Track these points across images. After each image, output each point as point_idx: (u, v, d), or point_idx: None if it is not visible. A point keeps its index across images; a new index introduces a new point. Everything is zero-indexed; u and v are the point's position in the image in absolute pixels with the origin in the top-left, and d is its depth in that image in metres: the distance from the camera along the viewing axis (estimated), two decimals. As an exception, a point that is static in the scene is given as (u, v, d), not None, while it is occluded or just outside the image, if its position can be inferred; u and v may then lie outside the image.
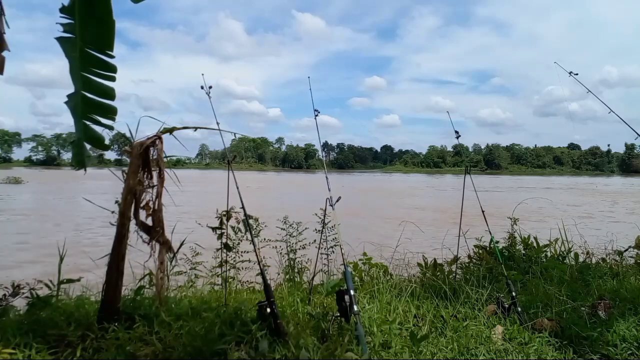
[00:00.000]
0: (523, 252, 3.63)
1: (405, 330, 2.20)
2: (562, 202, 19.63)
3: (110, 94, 2.26)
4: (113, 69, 2.22)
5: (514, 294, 2.45)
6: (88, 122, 2.26)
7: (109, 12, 2.08)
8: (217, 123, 2.58)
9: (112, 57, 2.19)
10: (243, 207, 2.48)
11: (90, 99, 2.24)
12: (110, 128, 2.29)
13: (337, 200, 2.41)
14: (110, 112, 2.28)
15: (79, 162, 2.34)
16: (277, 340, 1.94)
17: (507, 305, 2.41)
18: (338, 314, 2.16)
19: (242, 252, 3.06)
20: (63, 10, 2.08)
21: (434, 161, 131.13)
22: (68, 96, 2.25)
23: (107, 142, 2.32)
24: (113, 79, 2.24)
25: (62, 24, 2.11)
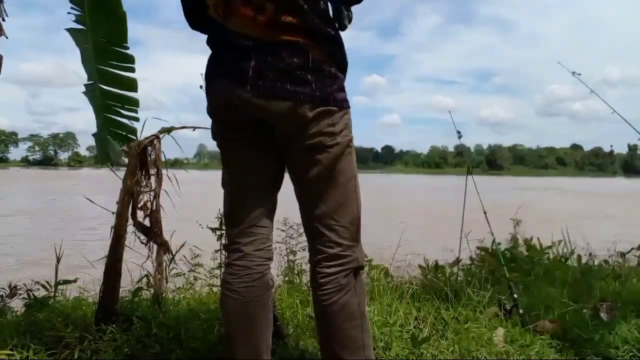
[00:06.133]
0: (525, 253, 3.60)
1: (406, 333, 2.18)
2: (562, 202, 19.59)
3: (132, 85, 2.21)
4: (131, 59, 2.18)
5: (515, 296, 2.42)
6: (111, 115, 2.22)
7: (119, 4, 2.05)
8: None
9: (127, 48, 2.16)
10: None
11: (111, 92, 2.19)
12: (136, 120, 2.26)
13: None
14: (133, 104, 2.25)
15: (105, 156, 2.30)
16: (277, 342, 1.92)
17: (508, 308, 2.39)
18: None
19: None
20: (72, 0, 2.05)
21: (436, 161, 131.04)
22: (85, 86, 2.21)
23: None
24: (132, 70, 2.20)
25: (74, 14, 2.07)
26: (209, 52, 1.38)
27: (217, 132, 1.41)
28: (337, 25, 1.38)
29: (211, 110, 1.38)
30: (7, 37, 1.81)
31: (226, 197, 1.44)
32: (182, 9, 1.40)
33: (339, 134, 1.30)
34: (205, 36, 1.41)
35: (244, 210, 1.39)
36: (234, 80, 1.25)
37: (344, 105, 1.31)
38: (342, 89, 1.33)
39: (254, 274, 1.37)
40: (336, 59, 1.31)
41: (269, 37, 1.22)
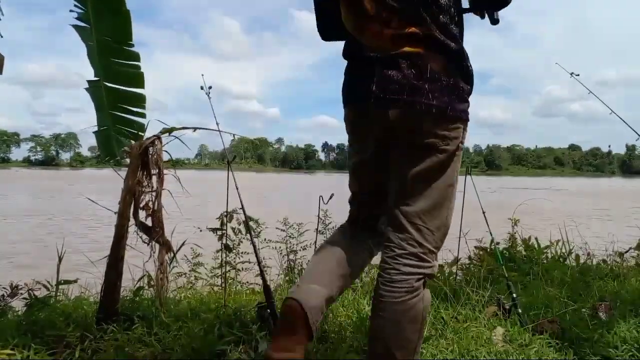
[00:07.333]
0: (524, 253, 3.61)
1: (405, 332, 2.18)
2: (560, 202, 19.63)
3: (138, 81, 2.20)
4: (136, 56, 2.18)
5: (514, 295, 2.44)
6: (118, 113, 2.21)
7: (122, 2, 2.05)
8: (217, 124, 2.56)
9: (131, 46, 2.16)
10: (243, 209, 2.48)
11: (118, 90, 2.19)
12: (143, 116, 2.25)
13: (330, 198, 2.39)
14: (140, 100, 2.24)
15: (109, 153, 2.30)
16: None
17: (507, 307, 2.40)
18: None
19: (242, 253, 3.05)
20: None
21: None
22: (89, 82, 2.20)
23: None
24: (138, 67, 2.20)
25: (77, 12, 2.07)
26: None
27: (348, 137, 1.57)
28: (489, 20, 1.46)
29: (345, 118, 1.52)
30: (1, 36, 1.81)
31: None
32: (316, 26, 1.54)
33: (451, 140, 1.35)
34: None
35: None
36: (361, 91, 1.36)
37: (461, 115, 1.35)
38: (464, 100, 1.37)
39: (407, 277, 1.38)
40: (457, 70, 1.35)
41: (393, 49, 1.30)
